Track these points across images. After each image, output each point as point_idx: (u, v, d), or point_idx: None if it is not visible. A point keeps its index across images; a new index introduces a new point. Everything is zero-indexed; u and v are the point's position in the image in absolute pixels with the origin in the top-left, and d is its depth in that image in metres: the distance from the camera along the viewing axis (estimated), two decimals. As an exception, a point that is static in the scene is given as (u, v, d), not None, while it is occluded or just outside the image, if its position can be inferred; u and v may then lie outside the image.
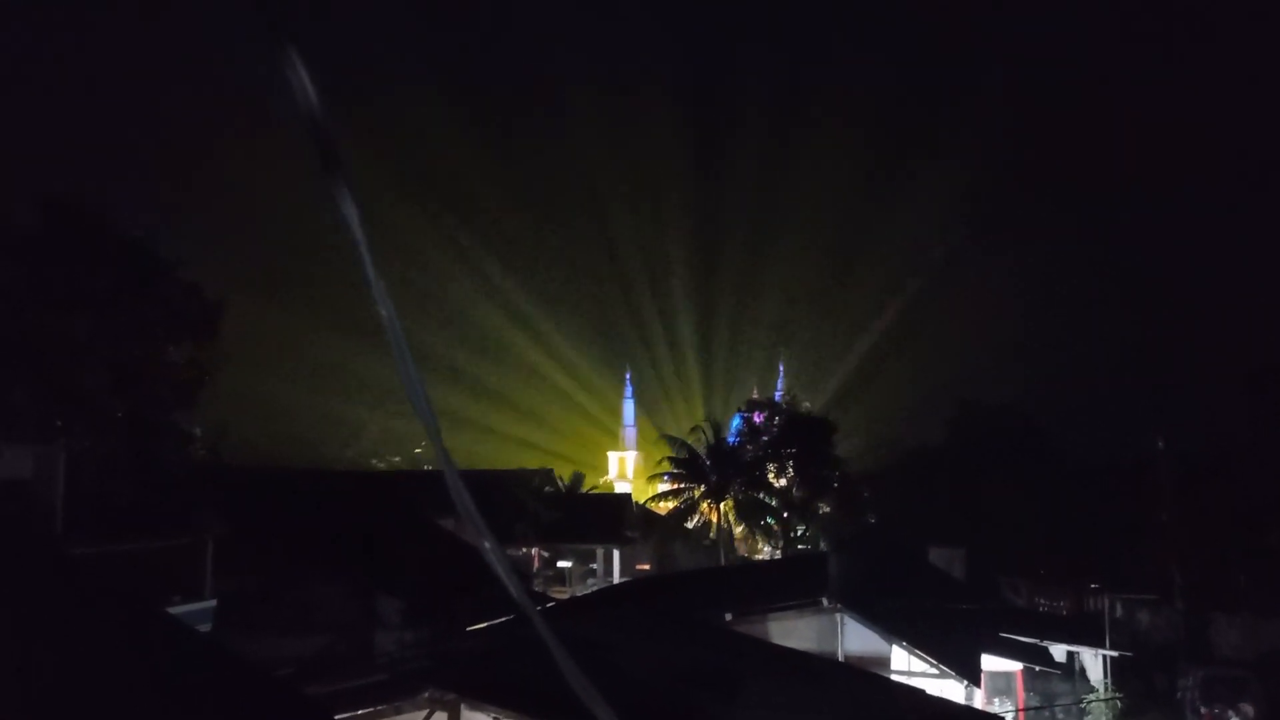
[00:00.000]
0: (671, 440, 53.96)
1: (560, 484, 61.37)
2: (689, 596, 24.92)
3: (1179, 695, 26.47)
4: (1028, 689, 26.24)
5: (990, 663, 23.80)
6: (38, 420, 22.40)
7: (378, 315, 2.54)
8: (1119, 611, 33.20)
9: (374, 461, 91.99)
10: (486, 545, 3.13)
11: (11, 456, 19.27)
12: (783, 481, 54.33)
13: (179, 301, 25.22)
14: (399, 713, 11.52)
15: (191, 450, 26.88)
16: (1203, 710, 24.87)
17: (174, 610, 18.22)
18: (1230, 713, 23.34)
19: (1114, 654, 27.84)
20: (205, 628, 19.62)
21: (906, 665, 20.34)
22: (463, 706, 11.08)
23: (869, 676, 17.51)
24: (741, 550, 58.39)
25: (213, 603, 20.39)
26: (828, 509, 54.62)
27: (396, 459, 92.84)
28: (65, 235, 23.96)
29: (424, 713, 11.54)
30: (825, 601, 20.51)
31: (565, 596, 37.02)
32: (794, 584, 23.20)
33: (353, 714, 10.57)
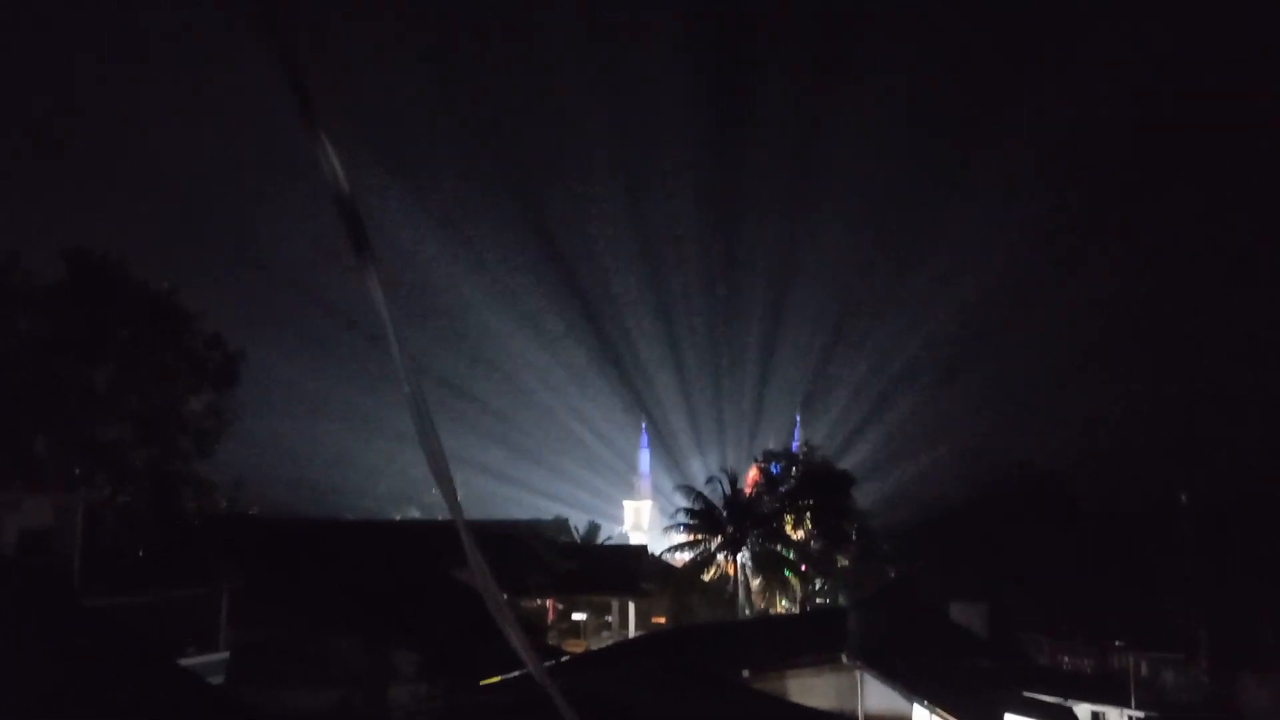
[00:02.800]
0: (687, 491, 53.69)
1: (576, 533, 61.06)
2: (706, 652, 24.63)
3: (1207, 758, 25.85)
4: (1052, 750, 25.65)
5: (1013, 722, 23.33)
6: (60, 470, 22.61)
7: (402, 392, 2.61)
8: (1144, 670, 32.51)
9: (391, 511, 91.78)
10: (493, 603, 3.14)
11: (31, 507, 19.44)
12: (800, 534, 53.84)
13: (200, 352, 25.54)
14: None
15: (210, 500, 27.02)
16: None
17: (187, 661, 18.18)
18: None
19: (1140, 715, 27.21)
20: (218, 679, 19.54)
21: (928, 725, 19.99)
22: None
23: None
24: (759, 603, 57.69)
25: (226, 654, 20.33)
26: (846, 562, 54.02)
27: (414, 511, 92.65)
28: (89, 287, 24.37)
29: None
30: (844, 659, 20.23)
31: (580, 649, 36.64)
32: (813, 640, 22.93)
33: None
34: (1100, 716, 27.87)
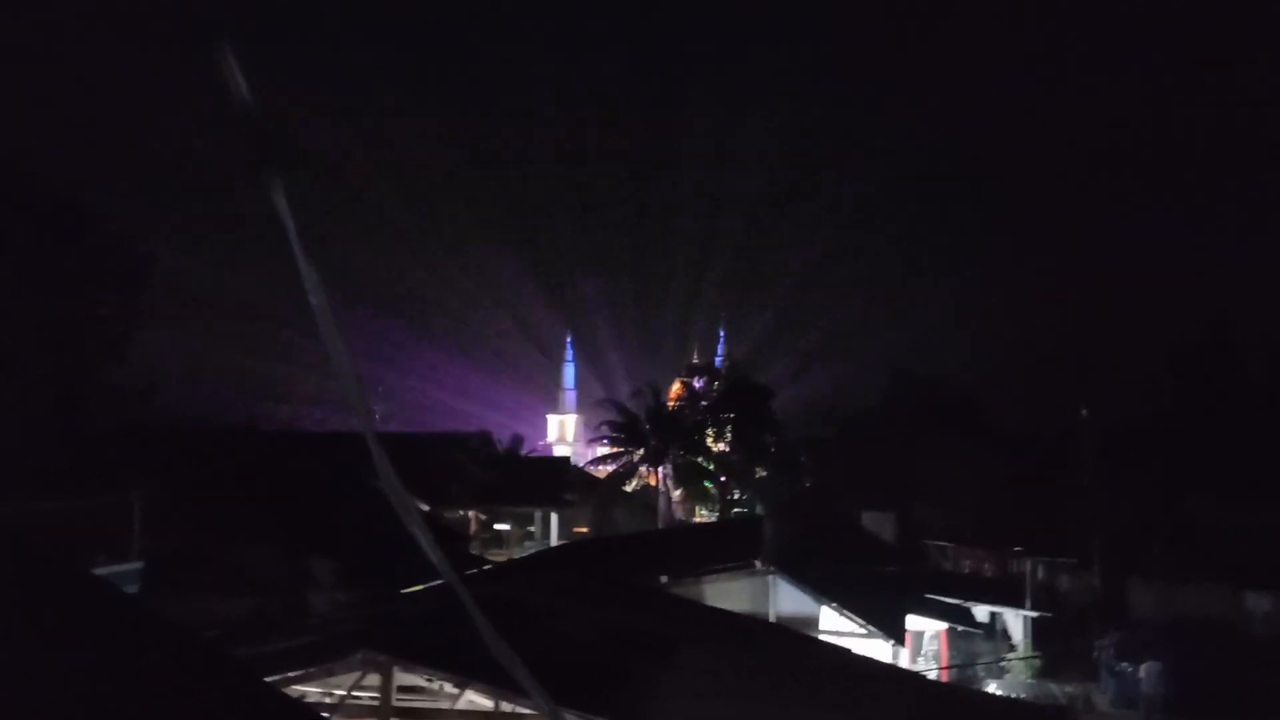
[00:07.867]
0: (611, 404, 54.14)
1: (499, 446, 61.18)
2: (626, 559, 25.15)
3: (1095, 654, 27.56)
4: (951, 648, 27.06)
5: (915, 623, 24.48)
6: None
7: (310, 304, 2.55)
8: (1041, 574, 34.35)
9: (306, 422, 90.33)
10: (400, 506, 3.13)
11: (-74, 412, 18.67)
12: (722, 446, 54.90)
13: (106, 254, 24.50)
14: (331, 674, 11.47)
15: (120, 407, 26.25)
16: (1115, 668, 25.94)
17: (100, 571, 17.90)
18: (1140, 669, 24.36)
19: (1034, 615, 28.86)
20: (132, 589, 19.31)
21: (835, 625, 20.80)
22: (395, 668, 11.07)
23: (798, 636, 17.90)
24: (680, 514, 58.91)
25: (139, 564, 20.04)
26: (765, 473, 55.41)
27: (330, 420, 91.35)
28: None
29: (356, 674, 11.51)
30: (758, 564, 20.83)
31: (503, 559, 37.05)
32: (729, 547, 23.51)
33: (283, 676, 10.50)
34: (998, 616, 29.48)
